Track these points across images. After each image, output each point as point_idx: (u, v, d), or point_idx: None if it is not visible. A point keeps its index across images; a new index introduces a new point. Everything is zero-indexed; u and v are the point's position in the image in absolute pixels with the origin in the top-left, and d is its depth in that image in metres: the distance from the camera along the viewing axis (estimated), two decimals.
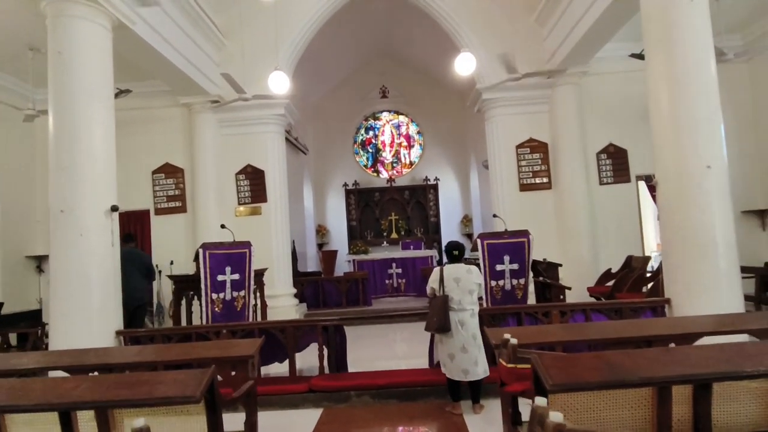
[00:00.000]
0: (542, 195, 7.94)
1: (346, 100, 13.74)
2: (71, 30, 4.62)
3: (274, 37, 7.57)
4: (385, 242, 12.90)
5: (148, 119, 8.13)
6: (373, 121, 14.23)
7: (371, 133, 14.22)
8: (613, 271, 7.23)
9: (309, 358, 5.20)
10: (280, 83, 6.29)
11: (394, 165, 14.14)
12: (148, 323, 7.08)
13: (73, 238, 4.42)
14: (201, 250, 5.32)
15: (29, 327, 6.39)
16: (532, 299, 6.08)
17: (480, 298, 4.40)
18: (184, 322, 5.81)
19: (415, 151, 14.16)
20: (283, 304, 7.77)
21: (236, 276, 5.50)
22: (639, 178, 8.03)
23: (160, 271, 7.88)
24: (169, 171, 8.11)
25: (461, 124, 13.42)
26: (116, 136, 4.96)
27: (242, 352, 3.13)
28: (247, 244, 5.59)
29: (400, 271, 10.61)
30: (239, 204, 8.05)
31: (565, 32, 7.02)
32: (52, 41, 4.61)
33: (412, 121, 14.18)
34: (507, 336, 2.43)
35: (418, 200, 13.62)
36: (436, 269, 4.10)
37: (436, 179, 13.60)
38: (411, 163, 14.12)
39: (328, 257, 12.07)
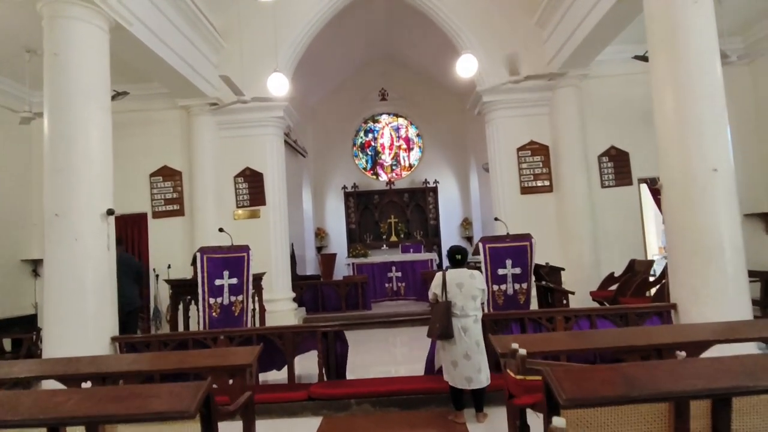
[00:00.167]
0: (543, 198, 7.88)
1: (345, 103, 13.68)
2: (68, 31, 4.55)
3: (273, 38, 7.50)
4: (384, 245, 12.81)
5: (145, 122, 8.05)
6: (372, 123, 14.17)
7: (370, 135, 14.16)
8: (616, 275, 7.15)
9: (308, 365, 5.11)
10: (279, 85, 6.22)
11: (394, 168, 14.07)
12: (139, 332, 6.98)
13: (68, 242, 4.33)
14: (198, 254, 5.24)
15: (24, 332, 6.29)
16: (534, 304, 6.00)
17: (482, 304, 4.32)
18: (181, 327, 5.73)
19: (415, 154, 14.10)
20: (281, 308, 7.68)
21: (234, 280, 5.43)
22: (641, 181, 7.97)
23: (157, 276, 7.79)
24: (167, 174, 8.02)
25: (461, 127, 13.37)
26: (114, 138, 4.89)
27: (240, 360, 3.04)
28: (245, 248, 5.51)
29: (399, 274, 10.52)
30: (238, 207, 7.97)
31: (567, 35, 6.96)
32: (48, 42, 4.54)
33: (411, 124, 14.13)
34: (515, 346, 2.35)
35: (418, 203, 13.55)
36: (439, 274, 4.01)
37: (436, 182, 13.54)
38: (410, 166, 14.05)
39: (327, 261, 11.98)
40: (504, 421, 3.09)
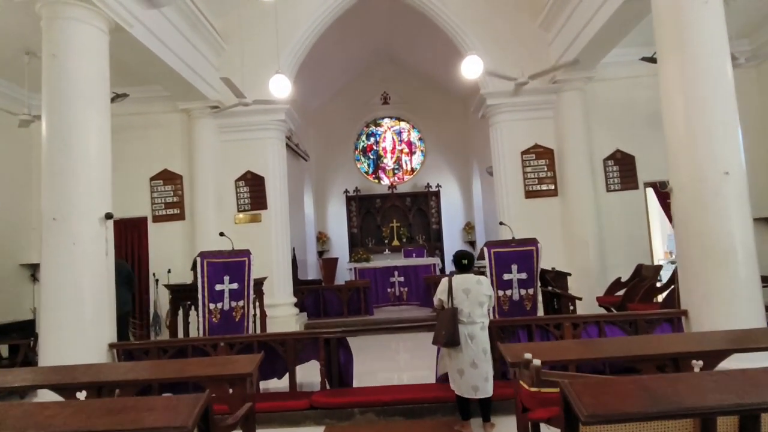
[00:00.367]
0: (548, 202, 7.78)
1: (347, 106, 13.61)
2: (66, 32, 4.48)
3: (274, 41, 7.43)
4: (386, 250, 12.70)
5: (146, 125, 7.98)
6: (374, 127, 14.10)
7: (372, 139, 14.09)
8: (623, 280, 7.04)
9: (310, 372, 5.00)
10: (281, 87, 6.13)
11: (396, 172, 13.99)
12: (131, 336, 6.88)
13: (65, 247, 4.26)
14: (199, 259, 5.16)
15: (21, 338, 6.19)
16: (540, 310, 5.89)
17: (489, 310, 4.21)
18: (181, 333, 5.63)
19: (417, 158, 14.01)
20: (282, 313, 7.57)
21: (235, 285, 5.33)
22: (647, 184, 7.87)
23: (157, 280, 7.70)
24: (168, 177, 7.94)
25: (463, 131, 13.29)
26: (114, 141, 4.82)
27: (240, 369, 2.94)
28: (246, 253, 5.42)
29: (402, 279, 10.41)
30: (239, 211, 7.88)
31: (571, 37, 6.89)
32: (46, 44, 4.48)
33: (413, 128, 14.06)
34: (528, 356, 2.25)
35: (420, 207, 13.45)
36: (444, 280, 3.91)
37: (438, 186, 13.44)
38: (412, 170, 13.97)
39: (329, 265, 11.87)
40: (512, 431, 2.98)
